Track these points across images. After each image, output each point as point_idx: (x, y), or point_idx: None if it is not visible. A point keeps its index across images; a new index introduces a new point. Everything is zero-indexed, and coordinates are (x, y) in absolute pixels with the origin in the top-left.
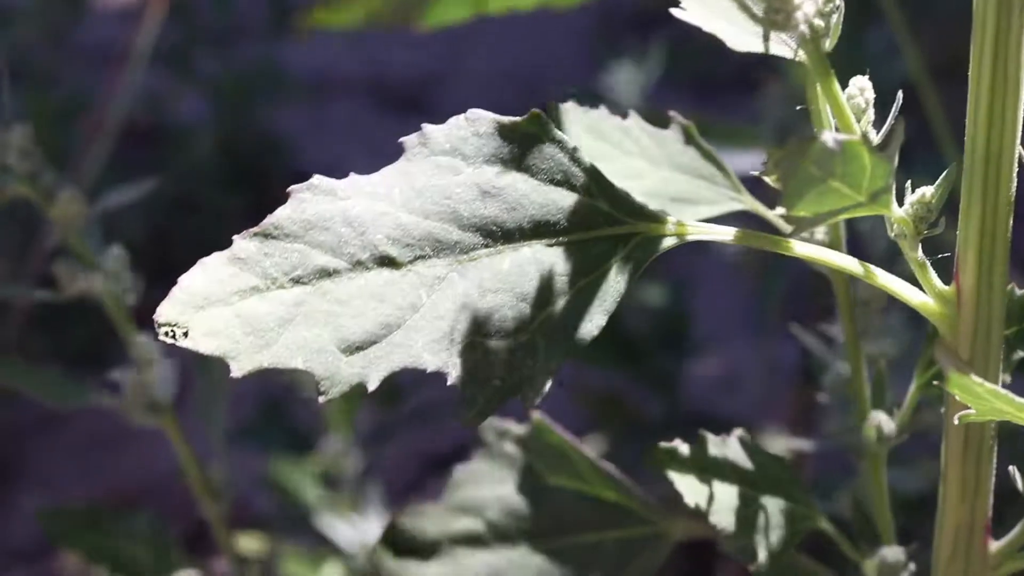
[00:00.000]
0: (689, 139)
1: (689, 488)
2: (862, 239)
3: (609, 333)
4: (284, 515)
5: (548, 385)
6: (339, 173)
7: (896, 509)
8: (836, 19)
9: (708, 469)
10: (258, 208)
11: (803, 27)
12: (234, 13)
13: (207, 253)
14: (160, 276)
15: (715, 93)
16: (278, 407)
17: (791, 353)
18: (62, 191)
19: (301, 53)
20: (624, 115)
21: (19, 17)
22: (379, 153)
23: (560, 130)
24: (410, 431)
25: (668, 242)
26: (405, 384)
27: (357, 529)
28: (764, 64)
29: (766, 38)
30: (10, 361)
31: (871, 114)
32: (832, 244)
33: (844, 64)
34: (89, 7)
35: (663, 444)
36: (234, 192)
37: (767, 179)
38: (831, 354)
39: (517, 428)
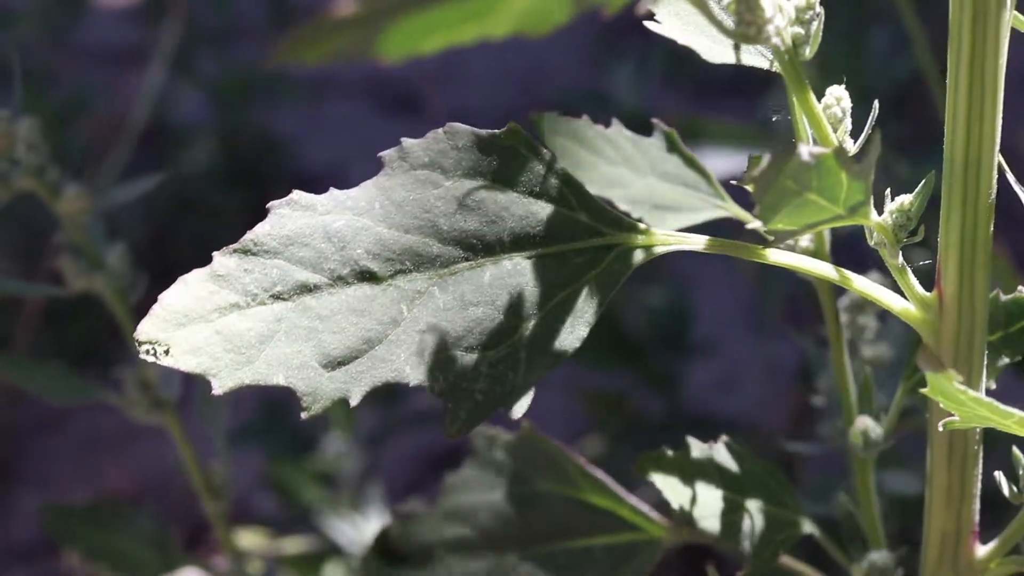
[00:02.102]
0: (672, 146)
1: (671, 490)
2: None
3: (609, 333)
4: (284, 515)
5: (530, 397)
6: (339, 173)
7: (896, 511)
8: (816, 26)
9: (691, 472)
10: (258, 208)
11: (775, 39)
12: (234, 13)
13: (207, 253)
14: (161, 275)
15: (715, 95)
16: (278, 407)
17: (791, 354)
18: (68, 186)
19: None
20: (607, 122)
21: (19, 17)
22: (378, 154)
23: (541, 140)
24: (410, 431)
25: (648, 253)
26: (405, 385)
27: (357, 529)
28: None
29: (738, 50)
30: (14, 358)
31: (848, 124)
32: (817, 250)
33: (846, 63)
34: (89, 7)
35: (648, 452)
36: (234, 192)
37: (746, 187)
38: (827, 356)
39: (507, 435)
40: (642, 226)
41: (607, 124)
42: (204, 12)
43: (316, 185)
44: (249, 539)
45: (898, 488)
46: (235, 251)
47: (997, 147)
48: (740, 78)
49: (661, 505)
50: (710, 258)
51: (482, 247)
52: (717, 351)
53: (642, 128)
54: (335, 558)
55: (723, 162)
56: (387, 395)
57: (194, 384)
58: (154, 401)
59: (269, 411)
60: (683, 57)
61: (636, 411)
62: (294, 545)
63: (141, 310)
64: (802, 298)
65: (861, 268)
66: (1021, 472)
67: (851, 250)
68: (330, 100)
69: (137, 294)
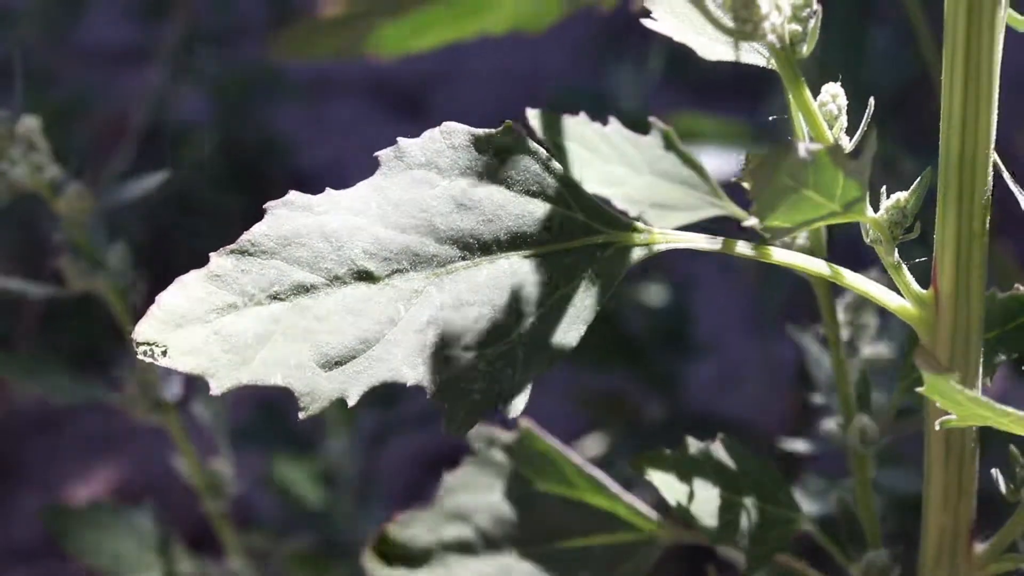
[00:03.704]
0: (669, 144)
1: (668, 488)
2: None
3: (609, 334)
4: (284, 515)
5: (527, 395)
6: (339, 173)
7: (896, 510)
8: (813, 24)
9: (688, 470)
10: (258, 208)
11: (771, 37)
12: (234, 13)
13: (207, 253)
14: (160, 275)
15: (714, 96)
16: (278, 407)
17: (790, 353)
18: (69, 186)
19: None
20: (605, 121)
21: (19, 17)
22: (375, 153)
23: (537, 138)
24: (410, 431)
25: (644, 251)
26: (402, 385)
27: (357, 529)
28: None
29: (737, 48)
30: (15, 357)
31: (843, 121)
32: (814, 248)
33: (846, 64)
34: (89, 6)
35: (646, 451)
36: (234, 192)
37: (743, 184)
38: (826, 355)
39: (505, 435)
40: (639, 224)
41: (605, 123)
42: (205, 12)
43: (316, 185)
44: (249, 539)
45: (897, 486)
46: (232, 252)
47: (992, 143)
48: (740, 79)
49: (660, 505)
50: (709, 258)
51: (479, 246)
52: (717, 351)
53: (640, 128)
54: (335, 558)
55: (721, 161)
56: (387, 396)
57: (194, 384)
58: (154, 401)
59: (269, 411)
60: (682, 58)
61: (636, 411)
62: (294, 545)
63: (141, 310)
64: (801, 298)
65: (860, 268)
66: (1018, 470)
67: (850, 250)
68: (330, 100)
69: (137, 294)
